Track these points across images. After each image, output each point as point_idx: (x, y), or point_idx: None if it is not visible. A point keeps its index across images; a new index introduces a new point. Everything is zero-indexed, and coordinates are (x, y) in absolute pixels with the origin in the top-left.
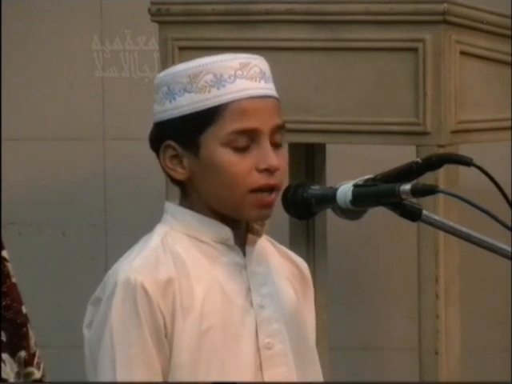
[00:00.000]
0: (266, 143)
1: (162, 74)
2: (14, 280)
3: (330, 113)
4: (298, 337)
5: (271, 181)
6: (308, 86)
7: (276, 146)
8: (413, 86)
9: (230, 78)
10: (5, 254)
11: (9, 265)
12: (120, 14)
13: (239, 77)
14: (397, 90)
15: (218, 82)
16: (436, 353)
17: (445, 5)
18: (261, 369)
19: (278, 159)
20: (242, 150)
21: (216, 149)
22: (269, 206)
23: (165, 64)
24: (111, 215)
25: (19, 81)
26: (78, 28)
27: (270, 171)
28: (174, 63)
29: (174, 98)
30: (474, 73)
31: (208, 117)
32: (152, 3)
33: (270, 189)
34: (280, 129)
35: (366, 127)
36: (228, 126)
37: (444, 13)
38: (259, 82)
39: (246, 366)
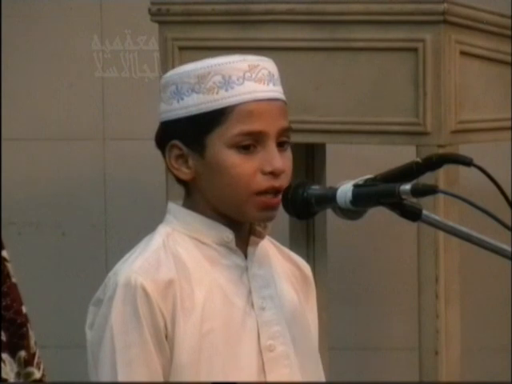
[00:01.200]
0: (271, 146)
1: (170, 73)
2: (13, 280)
3: (330, 113)
4: (299, 338)
5: (276, 183)
6: (308, 86)
7: (282, 148)
8: (413, 86)
9: (238, 79)
10: (5, 254)
11: (9, 265)
12: (120, 13)
13: (248, 79)
14: (397, 90)
15: (227, 83)
16: (436, 353)
17: (445, 5)
18: (263, 371)
19: (283, 161)
20: (247, 152)
21: (221, 150)
22: (274, 207)
23: (165, 64)
24: (111, 215)
25: (19, 81)
26: (78, 28)
27: (275, 174)
28: (173, 63)
29: (182, 98)
30: (473, 73)
31: (215, 118)
32: (152, 3)
33: (275, 191)
34: (286, 131)
35: (366, 127)
36: (234, 127)
37: (444, 13)
38: (267, 84)
39: (248, 369)
